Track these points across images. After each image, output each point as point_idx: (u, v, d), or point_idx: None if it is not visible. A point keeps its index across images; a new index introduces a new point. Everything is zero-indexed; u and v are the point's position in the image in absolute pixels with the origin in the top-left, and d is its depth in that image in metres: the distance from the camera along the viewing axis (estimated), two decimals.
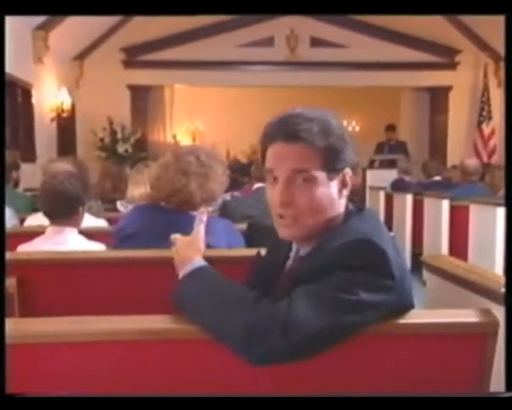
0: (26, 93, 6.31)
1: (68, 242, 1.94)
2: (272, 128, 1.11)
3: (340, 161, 1.10)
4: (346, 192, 1.13)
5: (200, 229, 1.29)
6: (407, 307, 1.07)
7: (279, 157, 1.09)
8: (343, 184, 1.12)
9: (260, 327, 0.95)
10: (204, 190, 1.74)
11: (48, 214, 2.03)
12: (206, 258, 1.18)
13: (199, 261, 1.15)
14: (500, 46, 7.03)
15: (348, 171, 1.12)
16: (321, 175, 1.07)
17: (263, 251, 1.34)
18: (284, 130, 1.08)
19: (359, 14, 7.31)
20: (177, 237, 1.29)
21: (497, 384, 1.05)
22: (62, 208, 1.97)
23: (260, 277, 1.25)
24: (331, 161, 1.08)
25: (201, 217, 1.30)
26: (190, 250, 1.20)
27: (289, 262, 1.19)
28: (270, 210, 1.14)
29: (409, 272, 1.11)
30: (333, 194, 1.10)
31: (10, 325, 0.98)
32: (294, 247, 1.19)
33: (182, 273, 1.14)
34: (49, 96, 6.95)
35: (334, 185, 1.10)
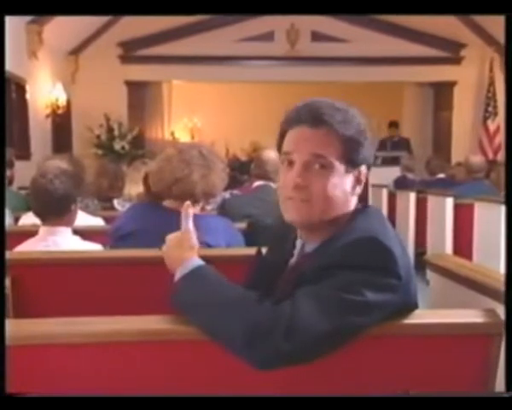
0: (20, 89, 6.30)
1: (62, 243, 1.93)
2: (296, 112, 1.13)
3: (359, 156, 1.11)
4: (358, 190, 1.14)
5: (188, 225, 1.20)
6: (411, 307, 1.07)
7: (300, 140, 1.10)
8: (357, 181, 1.14)
9: (263, 330, 0.94)
10: (206, 181, 1.76)
11: (38, 214, 2.00)
12: (205, 257, 1.18)
13: (197, 261, 1.13)
14: None
15: (364, 169, 1.14)
16: (338, 165, 1.09)
17: (264, 249, 1.34)
18: (309, 114, 1.10)
19: (359, 14, 7.29)
20: (168, 236, 1.23)
21: (497, 384, 1.06)
22: (53, 208, 1.95)
23: (261, 275, 1.25)
24: (351, 152, 1.10)
25: (187, 212, 1.21)
26: (184, 249, 1.16)
27: (293, 260, 1.19)
28: (280, 196, 1.14)
29: (414, 272, 1.11)
30: (347, 187, 1.11)
31: (7, 326, 0.99)
32: (299, 244, 1.19)
33: (179, 274, 1.12)
34: (44, 91, 6.94)
35: (349, 179, 1.11)
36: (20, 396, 0.92)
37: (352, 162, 1.11)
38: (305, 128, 1.10)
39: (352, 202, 1.14)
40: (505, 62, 1.67)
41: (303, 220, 1.12)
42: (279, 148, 1.16)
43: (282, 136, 1.16)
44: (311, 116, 1.09)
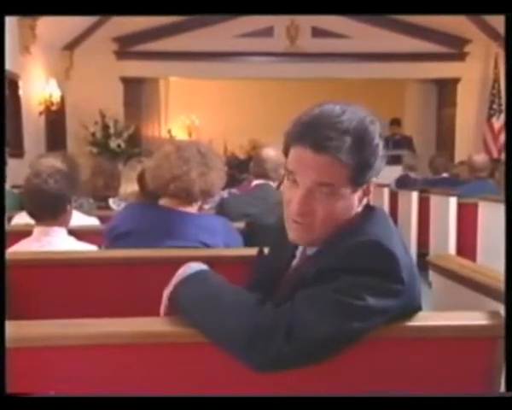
0: (13, 85, 6.28)
1: (57, 243, 1.93)
2: (302, 128, 1.06)
3: (367, 176, 1.08)
4: (366, 200, 1.13)
5: None
6: (414, 309, 1.08)
7: (302, 165, 1.06)
8: (365, 194, 1.12)
9: (263, 332, 0.95)
10: (204, 180, 1.77)
11: (33, 215, 2.00)
12: (203, 258, 1.19)
13: (199, 265, 1.15)
14: None
15: (373, 180, 1.12)
16: (344, 190, 1.06)
17: (265, 250, 1.34)
18: (313, 137, 1.03)
19: (359, 14, 7.29)
20: None
21: None
22: (48, 208, 1.95)
23: (263, 276, 1.25)
24: (359, 176, 1.06)
25: None
26: None
27: (295, 261, 1.19)
28: (282, 208, 1.13)
29: (418, 274, 1.12)
30: (353, 204, 1.10)
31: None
32: (301, 245, 1.19)
33: (180, 276, 1.12)
34: (37, 88, 6.93)
35: (356, 196, 1.09)
36: (20, 396, 0.93)
37: (359, 183, 1.08)
38: (307, 152, 1.04)
39: (358, 209, 1.12)
40: (506, 63, 1.68)
41: (306, 243, 1.14)
42: (285, 155, 1.12)
43: (286, 146, 1.11)
44: (314, 140, 1.03)
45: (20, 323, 1.06)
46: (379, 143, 1.08)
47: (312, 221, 1.08)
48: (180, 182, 1.74)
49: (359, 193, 1.10)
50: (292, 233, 1.12)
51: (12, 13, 1.58)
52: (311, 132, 1.04)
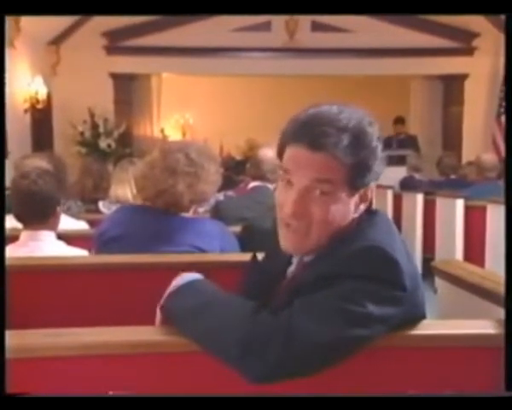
0: None
1: (46, 248, 1.93)
2: (298, 126, 1.08)
3: (366, 179, 1.09)
4: (363, 207, 1.13)
5: None
6: (418, 317, 1.08)
7: (299, 163, 1.07)
8: (362, 199, 1.12)
9: (260, 342, 0.95)
10: (193, 191, 1.75)
11: (20, 218, 2.00)
12: (198, 263, 1.19)
13: (195, 275, 1.16)
14: None
15: (371, 186, 1.12)
16: (341, 191, 1.06)
17: (259, 255, 1.35)
18: (310, 135, 1.05)
19: (358, 14, 7.30)
20: None
21: None
22: (37, 211, 1.95)
23: (257, 284, 1.25)
24: (356, 178, 1.07)
25: None
26: None
27: (291, 268, 1.20)
28: (276, 212, 1.14)
29: (421, 280, 1.12)
30: (350, 210, 1.10)
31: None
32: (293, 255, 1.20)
33: (175, 284, 1.13)
34: (22, 84, 6.92)
35: (352, 201, 1.10)
36: (20, 396, 0.94)
37: (357, 186, 1.09)
38: (303, 150, 1.06)
39: (355, 215, 1.12)
40: (506, 63, 1.69)
41: (299, 251, 1.14)
42: (280, 156, 1.13)
43: (281, 147, 1.13)
44: (311, 138, 1.05)
45: (10, 333, 1.07)
46: (377, 145, 1.09)
47: (306, 225, 1.08)
48: (167, 196, 1.73)
49: (356, 198, 1.10)
50: (284, 240, 1.12)
51: (12, 13, 1.59)
52: (308, 131, 1.06)
